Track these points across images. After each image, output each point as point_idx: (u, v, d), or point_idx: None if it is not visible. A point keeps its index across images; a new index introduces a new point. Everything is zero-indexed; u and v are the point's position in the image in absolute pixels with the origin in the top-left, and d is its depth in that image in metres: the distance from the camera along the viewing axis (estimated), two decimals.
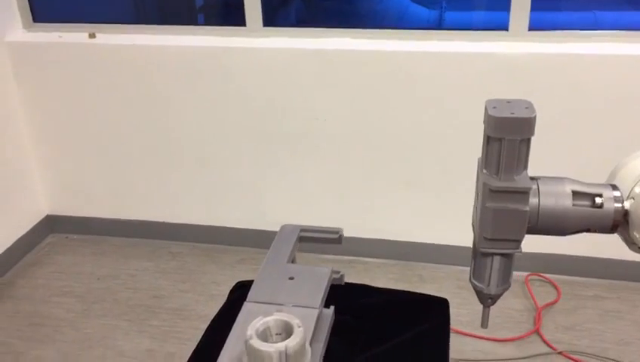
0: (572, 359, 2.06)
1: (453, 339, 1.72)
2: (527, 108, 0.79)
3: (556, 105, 2.21)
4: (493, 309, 2.30)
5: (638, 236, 0.83)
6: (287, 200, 2.59)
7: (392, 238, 2.58)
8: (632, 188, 0.84)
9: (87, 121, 2.61)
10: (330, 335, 0.99)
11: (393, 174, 2.45)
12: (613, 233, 0.86)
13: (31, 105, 2.63)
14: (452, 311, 1.38)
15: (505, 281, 0.90)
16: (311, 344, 0.70)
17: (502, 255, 0.86)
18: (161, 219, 2.75)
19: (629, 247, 0.88)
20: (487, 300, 0.93)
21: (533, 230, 0.84)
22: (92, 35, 2.51)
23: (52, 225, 2.85)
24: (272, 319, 0.65)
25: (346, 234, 2.60)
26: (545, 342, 2.13)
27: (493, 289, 0.90)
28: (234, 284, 1.33)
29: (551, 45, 2.18)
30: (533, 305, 2.31)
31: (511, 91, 2.21)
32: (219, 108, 2.48)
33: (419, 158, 2.40)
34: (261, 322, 0.64)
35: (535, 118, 0.78)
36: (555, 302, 2.33)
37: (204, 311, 2.35)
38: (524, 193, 0.80)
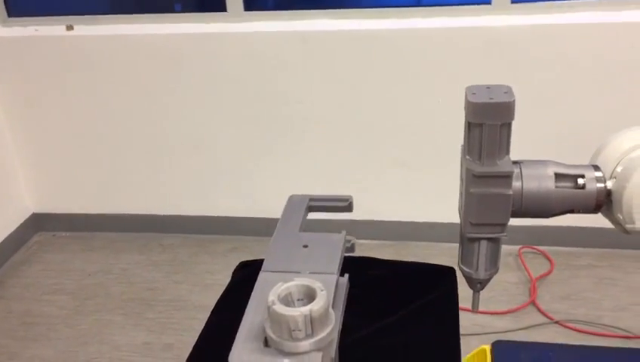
0: (569, 328, 2.08)
1: None
2: (506, 92, 0.80)
3: (542, 78, 2.22)
4: (488, 283, 2.32)
5: (621, 217, 0.84)
6: (278, 186, 2.57)
7: (385, 219, 2.58)
8: (614, 168, 0.85)
9: (69, 115, 2.56)
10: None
11: (383, 154, 2.45)
12: (597, 213, 0.88)
13: (10, 102, 2.57)
14: None
15: (493, 265, 0.91)
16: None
17: (488, 239, 0.87)
18: (150, 212, 2.72)
19: (614, 226, 0.89)
20: (477, 285, 0.94)
21: (518, 213, 0.85)
22: (70, 27, 2.46)
23: (39, 224, 2.80)
24: (294, 284, 0.63)
25: (340, 217, 2.60)
26: (541, 312, 2.15)
27: (481, 274, 0.91)
28: (236, 265, 1.32)
29: (535, 17, 2.19)
30: (528, 277, 2.33)
31: (497, 65, 2.21)
32: (203, 96, 2.45)
33: (408, 137, 2.40)
34: (283, 288, 0.63)
35: (514, 102, 0.79)
36: (549, 273, 2.35)
37: (200, 301, 2.33)
38: (506, 177, 0.81)
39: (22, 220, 2.72)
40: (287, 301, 0.63)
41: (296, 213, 0.86)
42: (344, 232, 0.82)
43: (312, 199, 0.92)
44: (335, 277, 0.72)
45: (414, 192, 2.51)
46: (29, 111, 2.58)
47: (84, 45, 2.43)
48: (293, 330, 0.59)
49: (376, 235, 2.59)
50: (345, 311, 0.99)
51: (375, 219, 2.57)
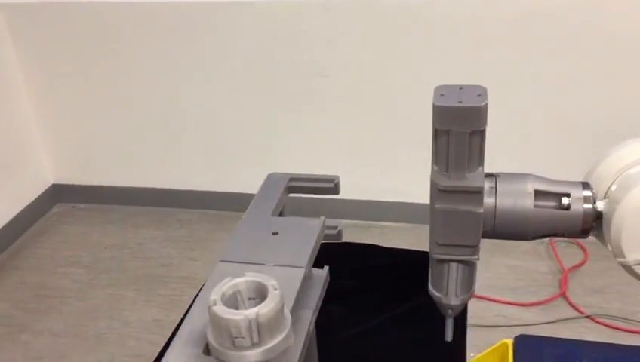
0: (601, 323, 1.94)
1: (473, 304, 1.61)
2: (479, 95, 0.69)
3: (584, 53, 2.05)
4: (517, 272, 2.18)
5: (610, 247, 0.71)
6: (298, 163, 2.47)
7: (409, 200, 2.45)
8: (609, 187, 0.71)
9: (89, 84, 2.51)
10: (332, 302, 0.88)
11: (408, 131, 2.32)
12: (585, 238, 0.74)
13: (30, 70, 2.53)
14: None
15: (466, 291, 0.80)
16: (294, 311, 0.59)
17: (459, 261, 0.77)
18: (169, 186, 2.66)
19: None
20: (447, 311, 0.83)
21: (490, 234, 0.74)
22: None
23: (58, 195, 2.77)
24: (243, 280, 0.53)
25: (361, 197, 2.49)
26: (572, 305, 2.01)
27: (452, 300, 0.80)
28: None
29: None
30: (559, 268, 2.18)
31: (534, 38, 2.05)
32: (223, 68, 2.35)
33: None
34: (229, 285, 0.53)
35: (486, 106, 0.68)
36: (583, 263, 2.20)
37: None
38: (476, 193, 0.70)
39: (41, 191, 2.70)
40: (234, 301, 0.53)
41: (273, 193, 0.76)
42: (323, 218, 0.72)
43: (292, 178, 0.81)
44: (302, 271, 0.62)
45: None
46: (48, 80, 2.54)
47: (103, 12, 2.36)
48: (236, 337, 0.49)
49: (400, 218, 2.47)
50: (339, 306, 0.89)
51: (398, 200, 2.46)
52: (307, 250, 0.65)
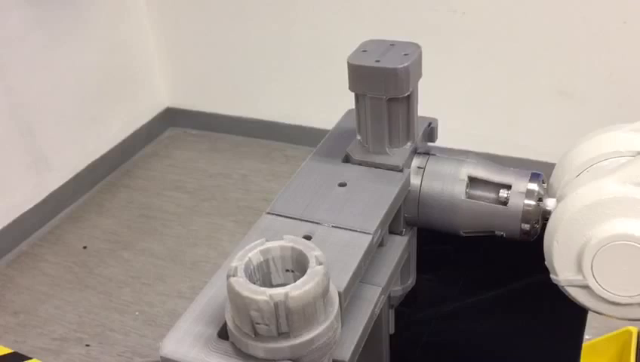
0: None
1: None
2: (405, 55, 0.57)
3: None
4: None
5: (548, 260, 0.54)
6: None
7: (537, 158, 2.20)
8: (568, 183, 0.56)
9: (209, 12, 2.44)
10: (424, 270, 0.73)
11: (544, 81, 2.04)
12: (529, 240, 0.59)
13: None
14: None
15: (400, 281, 0.68)
16: (350, 290, 0.44)
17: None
18: (277, 120, 2.58)
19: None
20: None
21: (415, 221, 0.62)
22: None
23: (171, 118, 2.78)
24: (277, 246, 0.40)
25: (486, 150, 2.27)
26: None
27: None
28: None
29: None
30: None
31: None
32: (341, 1, 2.19)
33: (579, 61, 1.96)
34: (259, 249, 0.39)
35: (407, 69, 0.56)
36: None
37: None
38: (394, 172, 0.59)
39: (156, 113, 2.71)
40: (265, 271, 0.39)
41: (349, 134, 0.60)
42: (408, 170, 0.56)
43: None
44: (368, 238, 0.46)
45: (578, 130, 2.09)
46: (170, 6, 2.50)
47: None
48: (257, 323, 0.36)
49: None
50: (424, 275, 0.75)
51: (525, 157, 2.20)
52: (380, 210, 0.49)
